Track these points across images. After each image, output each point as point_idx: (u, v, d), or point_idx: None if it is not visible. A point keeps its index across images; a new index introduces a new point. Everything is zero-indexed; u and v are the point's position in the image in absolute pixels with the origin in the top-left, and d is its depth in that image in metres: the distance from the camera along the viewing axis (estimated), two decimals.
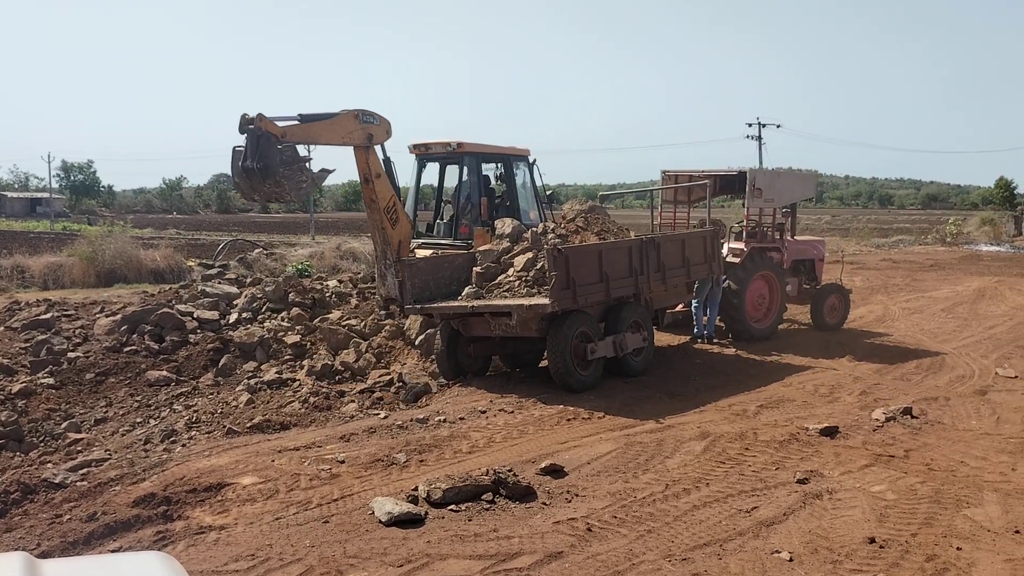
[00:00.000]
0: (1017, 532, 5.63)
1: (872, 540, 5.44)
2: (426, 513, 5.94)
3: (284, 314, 13.41)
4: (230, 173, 11.14)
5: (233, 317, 13.44)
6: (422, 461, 7.21)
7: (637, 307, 10.70)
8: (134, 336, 12.46)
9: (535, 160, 14.76)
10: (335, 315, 13.49)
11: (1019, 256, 33.20)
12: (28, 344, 12.18)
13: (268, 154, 10.69)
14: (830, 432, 7.95)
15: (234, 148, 10.94)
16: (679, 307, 13.80)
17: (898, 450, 7.48)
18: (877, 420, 8.45)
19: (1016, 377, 10.70)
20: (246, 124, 10.69)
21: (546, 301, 9.28)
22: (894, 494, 6.33)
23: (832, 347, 12.73)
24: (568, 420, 8.50)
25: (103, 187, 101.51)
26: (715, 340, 13.18)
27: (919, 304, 17.84)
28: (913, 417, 8.57)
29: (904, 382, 10.44)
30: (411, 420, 8.48)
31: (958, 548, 5.36)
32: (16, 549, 5.33)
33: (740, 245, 13.65)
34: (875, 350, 12.63)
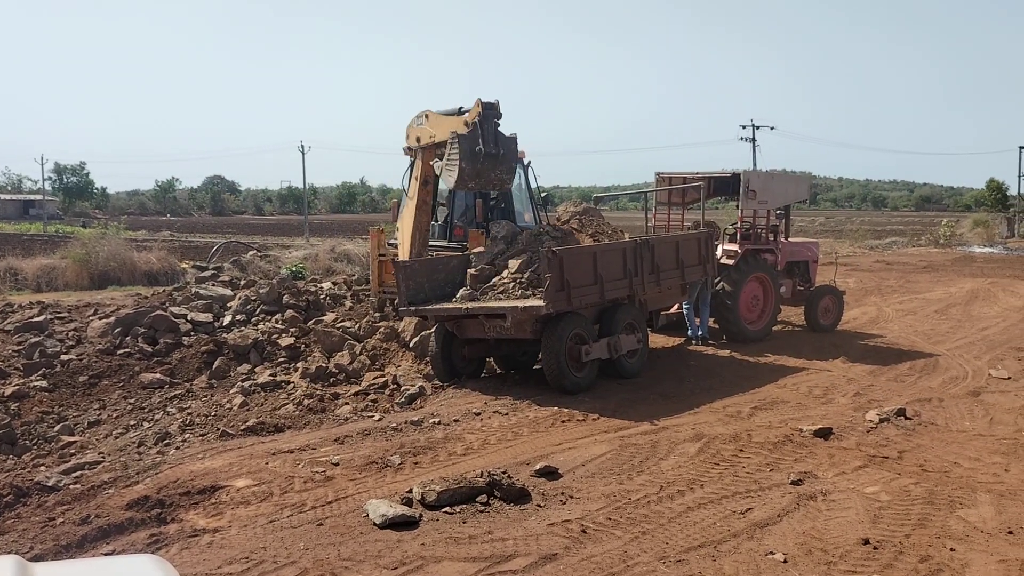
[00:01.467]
0: (1010, 533, 5.64)
1: (866, 541, 5.45)
2: (420, 515, 5.93)
3: (278, 316, 13.39)
4: (458, 157, 11.07)
5: (227, 319, 13.42)
6: (416, 463, 7.21)
7: (632, 309, 10.71)
8: (127, 338, 12.43)
9: (530, 162, 14.74)
10: (329, 317, 13.48)
11: (1012, 257, 33.33)
12: (21, 347, 12.14)
13: (508, 143, 11.15)
14: (824, 433, 7.96)
15: (459, 135, 10.99)
16: (673, 308, 13.82)
17: (892, 451, 7.49)
18: (871, 421, 8.46)
19: (1009, 378, 10.74)
20: (488, 109, 10.90)
21: (541, 303, 9.28)
22: (888, 495, 6.35)
23: (826, 348, 12.76)
24: (563, 422, 8.50)
25: (96, 189, 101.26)
26: (709, 341, 13.20)
27: (912, 305, 17.90)
28: (907, 418, 8.59)
29: (898, 383, 10.47)
30: (405, 422, 8.47)
31: (952, 549, 5.37)
32: (8, 552, 5.31)
33: (734, 247, 13.68)
34: (869, 351, 12.66)
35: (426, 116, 12.44)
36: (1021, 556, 5.26)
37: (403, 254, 12.67)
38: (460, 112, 11.84)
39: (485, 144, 10.96)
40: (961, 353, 12.46)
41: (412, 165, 13.30)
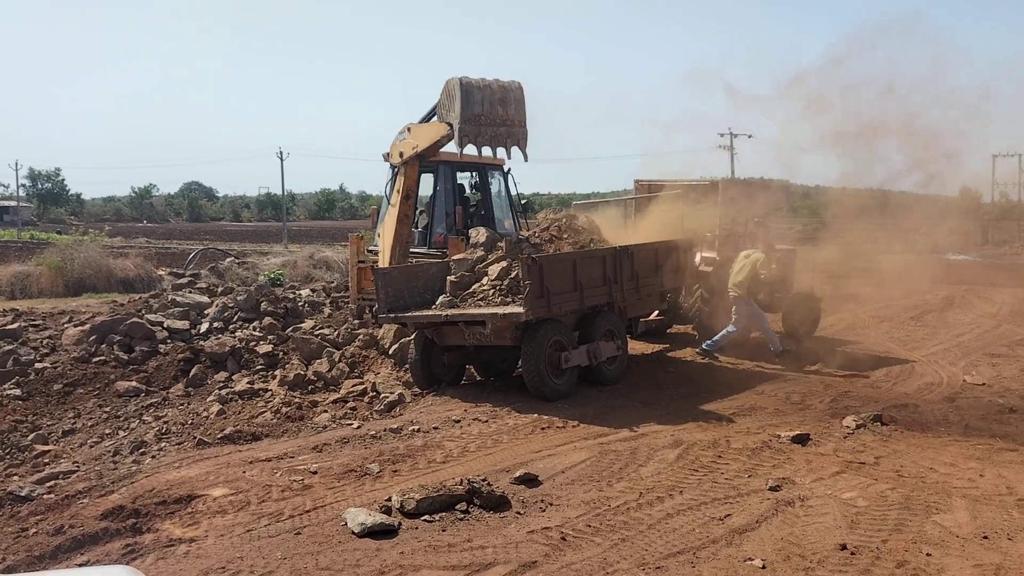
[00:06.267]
0: (985, 538, 5.70)
1: (843, 547, 5.48)
2: (399, 524, 5.90)
3: (256, 324, 13.31)
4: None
5: (204, 327, 13.33)
6: (396, 471, 7.17)
7: (611, 316, 10.74)
8: (103, 346, 12.31)
9: (510, 169, 14.82)
10: (308, 324, 13.42)
11: (986, 264, 33.68)
12: None
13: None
14: (801, 439, 8.01)
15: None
16: (653, 315, 13.86)
17: (868, 457, 7.55)
18: (848, 427, 8.52)
19: (984, 384, 10.85)
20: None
21: (520, 310, 9.28)
22: (865, 501, 6.39)
23: (803, 355, 12.84)
24: (542, 429, 8.49)
25: (71, 195, 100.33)
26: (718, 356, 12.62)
27: (889, 312, 18.06)
28: (883, 424, 8.65)
29: (874, 389, 10.55)
30: (385, 430, 8.43)
31: (928, 554, 5.42)
32: None
33: (712, 254, 13.75)
34: (845, 358, 12.74)
35: (408, 129, 12.40)
36: (996, 560, 5.31)
37: (383, 262, 12.63)
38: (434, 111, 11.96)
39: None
40: (936, 359, 12.58)
41: (394, 177, 13.25)
